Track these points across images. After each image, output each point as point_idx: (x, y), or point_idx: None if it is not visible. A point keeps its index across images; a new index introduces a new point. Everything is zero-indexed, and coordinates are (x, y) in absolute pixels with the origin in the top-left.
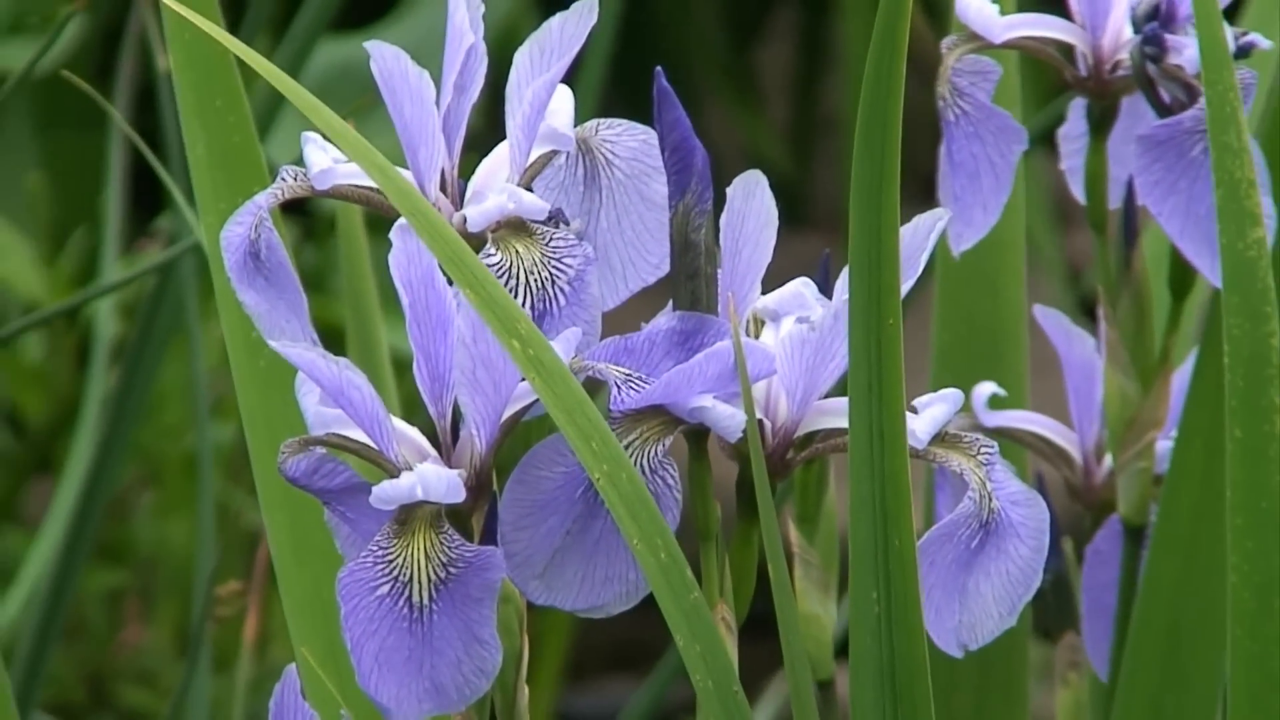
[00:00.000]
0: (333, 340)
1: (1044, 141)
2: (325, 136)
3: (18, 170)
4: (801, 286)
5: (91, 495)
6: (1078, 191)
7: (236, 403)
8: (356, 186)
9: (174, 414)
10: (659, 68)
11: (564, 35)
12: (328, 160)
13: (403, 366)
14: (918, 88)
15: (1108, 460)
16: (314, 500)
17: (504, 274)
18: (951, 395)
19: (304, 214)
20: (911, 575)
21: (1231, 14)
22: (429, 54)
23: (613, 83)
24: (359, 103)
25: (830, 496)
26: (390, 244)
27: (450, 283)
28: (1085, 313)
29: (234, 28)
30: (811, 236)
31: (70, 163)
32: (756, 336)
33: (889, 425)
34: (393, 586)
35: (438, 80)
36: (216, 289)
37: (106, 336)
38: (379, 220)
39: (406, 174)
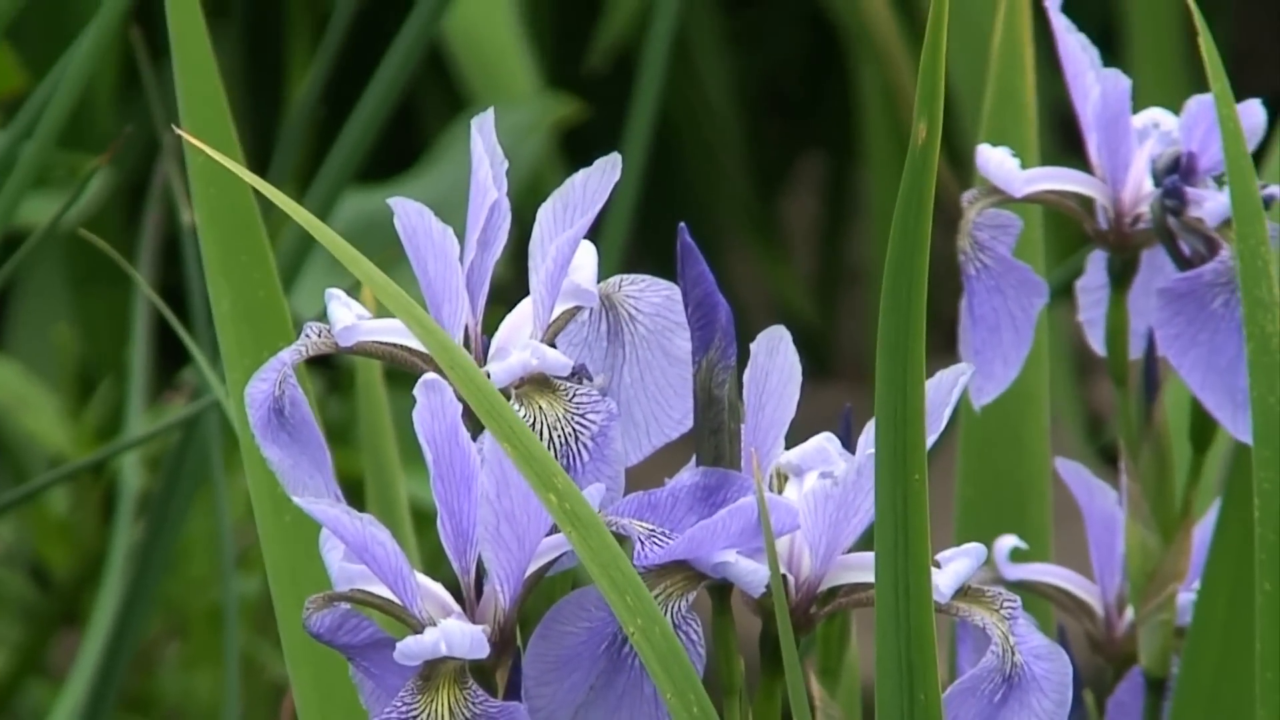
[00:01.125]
0: (354, 492)
1: (1064, 293)
2: (350, 293)
3: (47, 322)
4: (825, 441)
5: (117, 647)
6: (1096, 343)
7: (261, 556)
8: (380, 343)
9: (199, 567)
10: (682, 223)
11: (587, 191)
12: (351, 317)
13: (423, 519)
14: (941, 236)
15: (1129, 613)
16: (339, 655)
17: (530, 429)
18: (975, 550)
19: (329, 367)
20: None
21: (1258, 160)
22: (453, 207)
23: (637, 235)
24: (383, 256)
25: (853, 650)
26: (412, 397)
27: (474, 438)
28: (1107, 462)
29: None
30: (836, 387)
31: (99, 315)
32: (780, 492)
33: (915, 581)
34: None
35: (461, 235)
36: (242, 443)
37: (132, 489)
38: (397, 373)
39: (437, 328)
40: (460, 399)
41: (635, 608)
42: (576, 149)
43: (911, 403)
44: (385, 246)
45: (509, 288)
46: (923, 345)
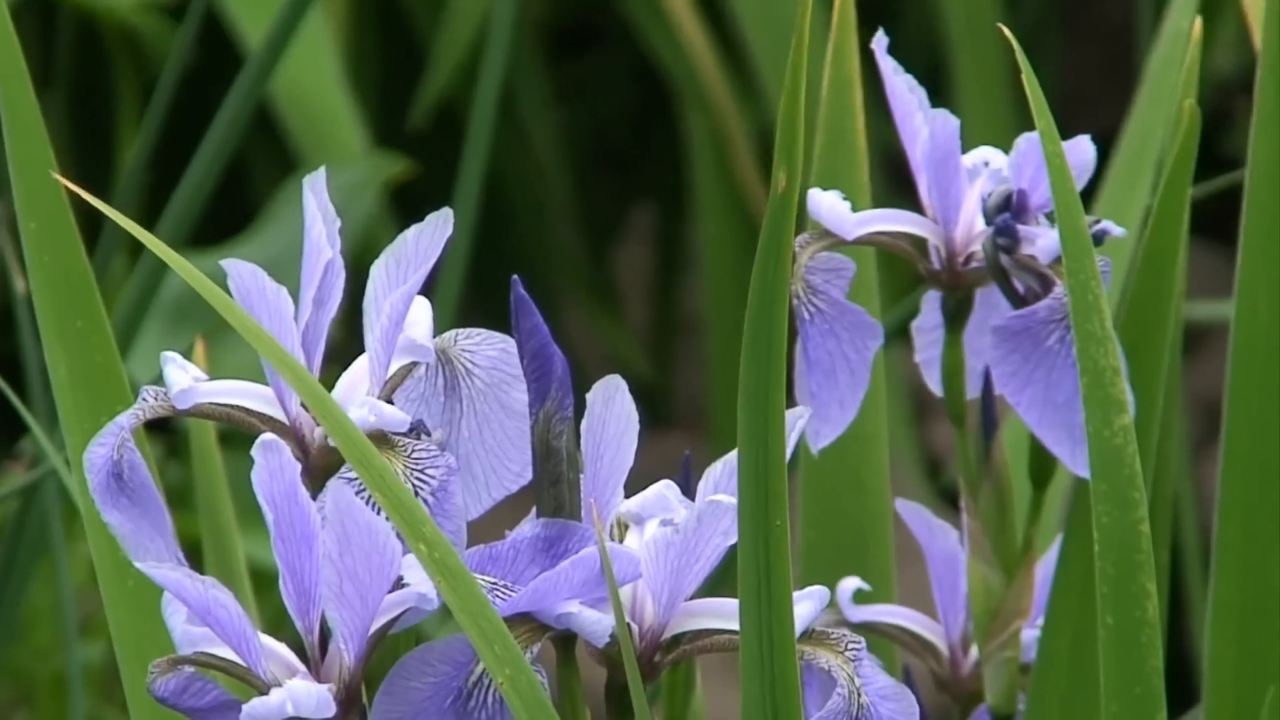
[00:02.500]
0: (193, 555)
1: (900, 334)
2: (185, 355)
3: None
4: (664, 489)
5: None
6: (933, 384)
7: (106, 622)
8: (217, 404)
9: (44, 635)
10: (516, 276)
11: (420, 247)
12: (188, 379)
13: (264, 580)
14: None
15: (974, 651)
16: (185, 719)
17: (367, 489)
18: (818, 593)
19: (167, 431)
20: None
21: (1088, 197)
22: (286, 267)
23: (470, 290)
24: (217, 322)
25: (698, 696)
26: (247, 458)
27: (313, 498)
28: (947, 502)
29: (90, 247)
30: (673, 436)
31: None
32: (621, 541)
33: (779, 629)
34: None
35: (295, 294)
36: (82, 509)
37: None
38: (233, 435)
39: (265, 390)
40: (299, 459)
41: (503, 657)
42: (407, 206)
43: (773, 451)
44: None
45: (343, 347)
46: (783, 394)
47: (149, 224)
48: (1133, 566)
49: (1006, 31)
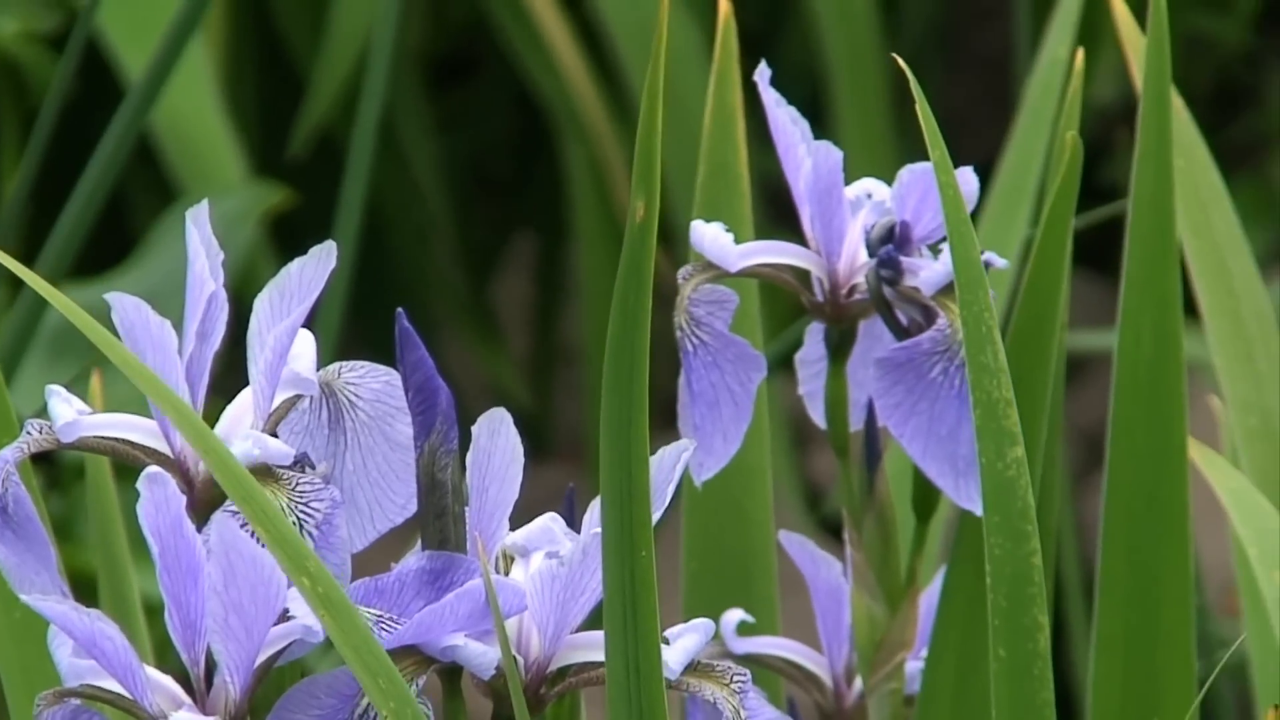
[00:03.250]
0: (82, 587)
1: (783, 365)
2: (69, 388)
3: None
4: (549, 522)
5: None
6: (817, 415)
7: None
8: (103, 438)
9: None
10: (400, 310)
11: (304, 279)
12: (73, 413)
13: (155, 611)
14: (658, 313)
15: (858, 683)
16: None
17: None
18: (703, 625)
19: (50, 463)
20: None
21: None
22: (167, 298)
23: (351, 319)
24: (91, 359)
25: None
26: (137, 490)
27: (199, 531)
28: (829, 533)
29: None
30: (556, 466)
31: None
32: (507, 573)
33: (645, 658)
34: None
35: (178, 326)
36: None
37: None
38: (125, 467)
39: (150, 423)
40: (184, 492)
41: (389, 690)
42: (288, 235)
43: (637, 480)
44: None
45: (223, 379)
46: (646, 422)
47: (30, 255)
48: (1025, 599)
49: (900, 60)
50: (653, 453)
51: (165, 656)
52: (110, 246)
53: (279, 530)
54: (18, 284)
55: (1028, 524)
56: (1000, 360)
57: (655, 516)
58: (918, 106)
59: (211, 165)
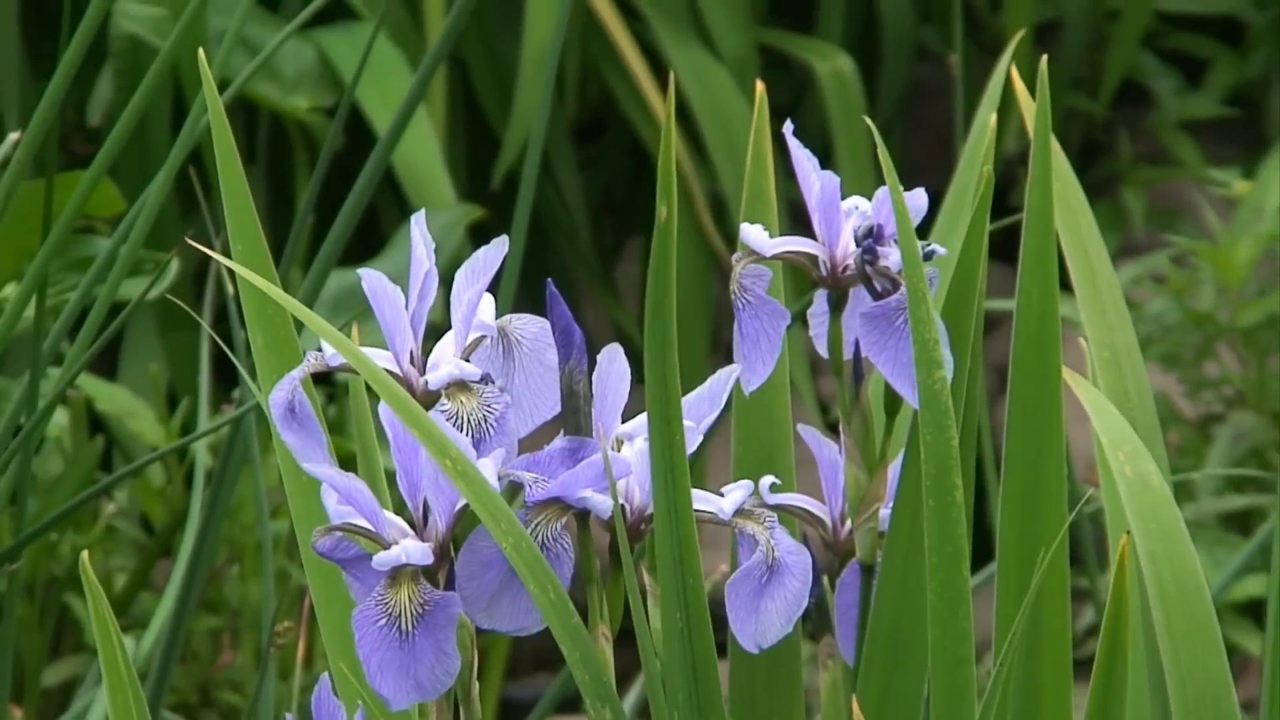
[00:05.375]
0: (347, 464)
1: (800, 317)
2: (348, 329)
3: (144, 361)
4: (646, 418)
5: (196, 569)
6: (822, 350)
7: (288, 506)
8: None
9: (248, 515)
10: (549, 279)
11: (486, 260)
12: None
13: (390, 479)
14: (721, 287)
15: (849, 524)
16: (337, 567)
17: (454, 417)
18: (745, 484)
19: (329, 383)
20: (700, 601)
21: (925, 230)
22: (400, 276)
23: (520, 290)
24: (359, 311)
25: None
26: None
27: None
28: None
29: (277, 263)
30: None
31: (178, 355)
32: (618, 451)
33: (681, 502)
34: (388, 620)
35: (407, 293)
36: (273, 433)
37: (202, 466)
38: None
39: (386, 353)
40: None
41: (506, 530)
42: (482, 239)
43: (670, 388)
44: (362, 305)
45: (439, 327)
46: (674, 351)
47: (312, 250)
48: (946, 467)
49: (870, 124)
50: (710, 375)
51: (399, 509)
52: (366, 245)
53: (427, 430)
54: (306, 268)
55: (947, 419)
56: (930, 314)
57: (714, 416)
58: (879, 152)
59: (432, 192)
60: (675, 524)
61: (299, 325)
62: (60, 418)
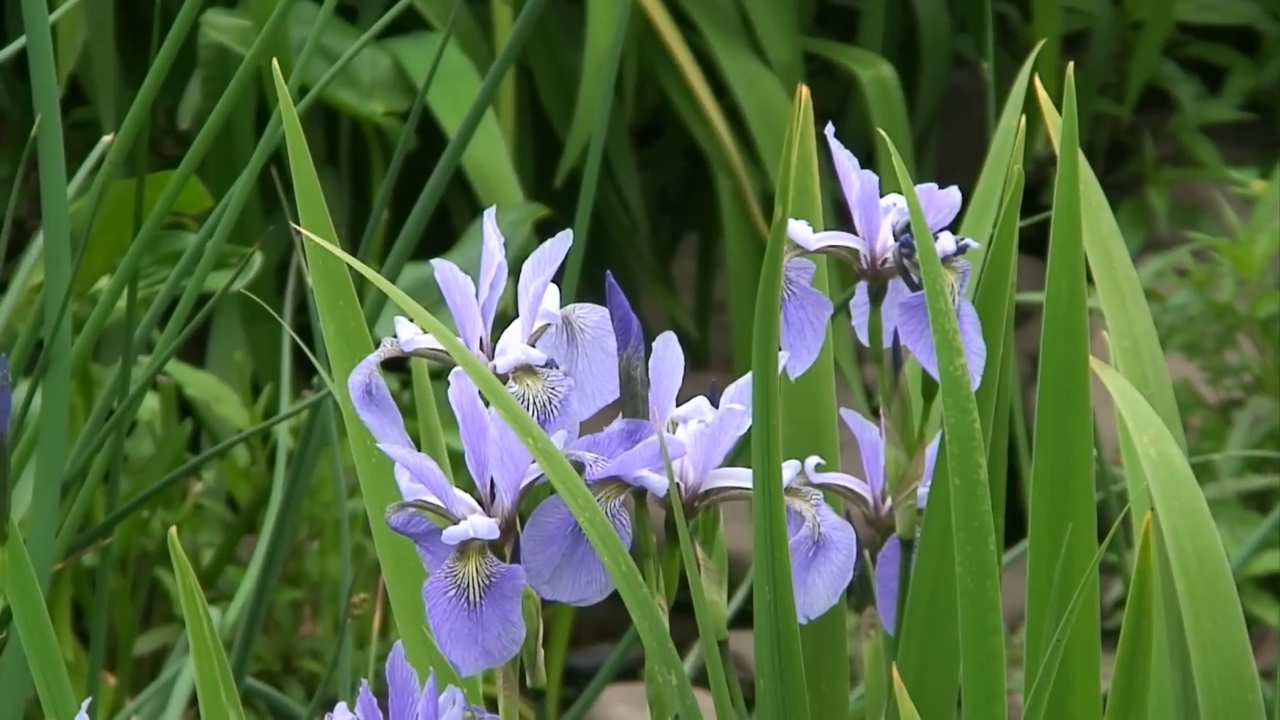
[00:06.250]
0: (415, 445)
1: (843, 308)
2: (412, 320)
3: (229, 350)
4: (700, 402)
5: (278, 545)
6: (863, 338)
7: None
8: (427, 349)
9: (327, 493)
10: (609, 271)
11: (551, 252)
12: (411, 333)
13: (455, 461)
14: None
15: (889, 501)
16: (411, 543)
17: (520, 400)
18: (794, 464)
19: (404, 370)
20: (787, 576)
21: (955, 226)
22: (471, 268)
23: (582, 282)
24: (430, 302)
25: (720, 529)
26: (448, 384)
27: (486, 404)
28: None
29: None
30: (707, 374)
31: (261, 344)
32: (674, 433)
33: (773, 482)
34: (457, 592)
35: (478, 284)
36: (346, 416)
37: (284, 448)
38: (439, 373)
39: (459, 340)
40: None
41: (582, 505)
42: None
43: (770, 380)
44: (433, 297)
45: (507, 315)
46: (776, 347)
47: (388, 245)
48: (970, 448)
49: (883, 134)
50: None
51: (468, 488)
52: (438, 242)
53: (511, 410)
54: (381, 261)
55: (969, 402)
56: (949, 305)
57: None
58: (895, 159)
59: (500, 191)
60: (768, 503)
61: (370, 318)
62: (151, 402)
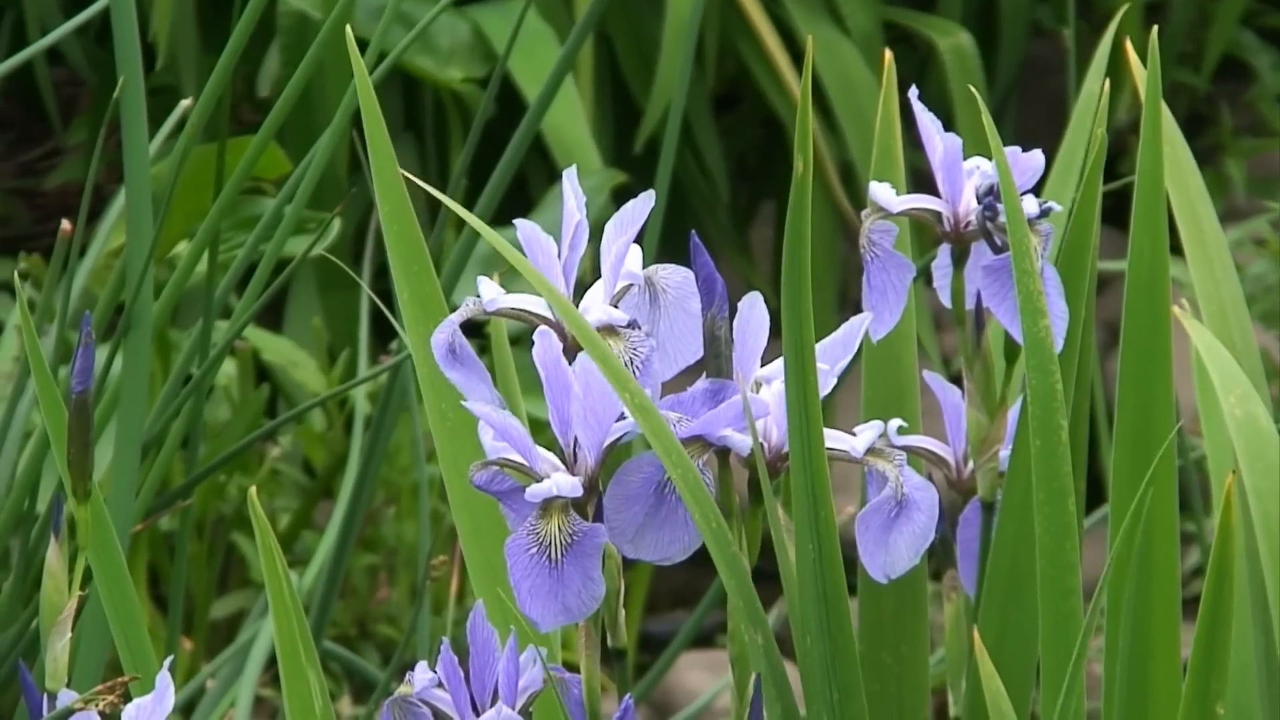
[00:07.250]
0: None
1: (925, 271)
2: (500, 282)
3: (307, 315)
4: (783, 363)
5: (355, 510)
6: (945, 300)
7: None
8: (511, 308)
9: (404, 459)
10: (693, 230)
11: (634, 213)
12: (494, 293)
13: (534, 425)
14: (847, 247)
15: (971, 464)
16: (488, 506)
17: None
18: (875, 425)
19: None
20: (831, 533)
21: (1040, 186)
22: (552, 230)
23: (663, 243)
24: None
25: None
26: (528, 345)
27: (570, 362)
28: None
29: (431, 225)
30: None
31: (339, 309)
32: (757, 393)
33: (814, 439)
34: (539, 549)
35: (560, 243)
36: (421, 379)
37: (361, 413)
38: (517, 337)
39: (540, 300)
40: (560, 340)
41: (675, 462)
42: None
43: (805, 336)
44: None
45: (589, 276)
46: (809, 297)
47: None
48: (1051, 409)
49: (976, 93)
50: (845, 321)
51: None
52: (516, 208)
53: (610, 364)
54: (460, 226)
55: (1052, 364)
56: (1034, 266)
57: (846, 360)
58: (985, 122)
59: (579, 157)
60: (809, 459)
61: (447, 286)
62: (229, 367)
